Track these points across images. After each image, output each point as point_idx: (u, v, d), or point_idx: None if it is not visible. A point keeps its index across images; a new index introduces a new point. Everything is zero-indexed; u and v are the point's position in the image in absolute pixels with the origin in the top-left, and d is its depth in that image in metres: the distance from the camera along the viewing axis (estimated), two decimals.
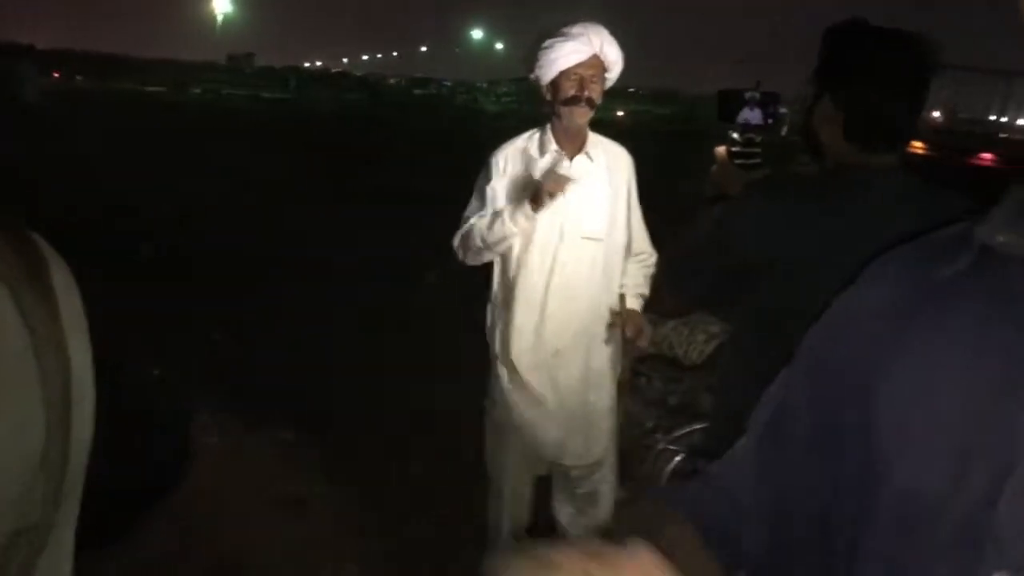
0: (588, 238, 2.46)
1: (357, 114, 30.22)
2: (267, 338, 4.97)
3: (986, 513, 0.57)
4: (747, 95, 1.74)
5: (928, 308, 0.66)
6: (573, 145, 2.46)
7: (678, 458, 2.54)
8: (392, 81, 74.91)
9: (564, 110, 2.37)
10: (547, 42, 2.35)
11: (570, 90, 2.35)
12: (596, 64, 2.34)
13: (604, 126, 2.60)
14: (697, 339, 3.12)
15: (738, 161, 1.77)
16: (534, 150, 2.48)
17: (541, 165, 2.44)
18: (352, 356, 4.70)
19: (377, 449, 3.68)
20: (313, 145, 15.92)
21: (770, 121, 1.73)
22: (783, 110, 1.76)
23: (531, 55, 2.40)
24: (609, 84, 2.43)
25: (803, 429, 0.75)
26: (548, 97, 2.41)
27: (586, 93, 2.34)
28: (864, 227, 1.40)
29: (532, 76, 2.43)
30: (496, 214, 2.42)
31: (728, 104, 1.77)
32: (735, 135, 1.78)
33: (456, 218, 2.57)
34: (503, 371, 2.54)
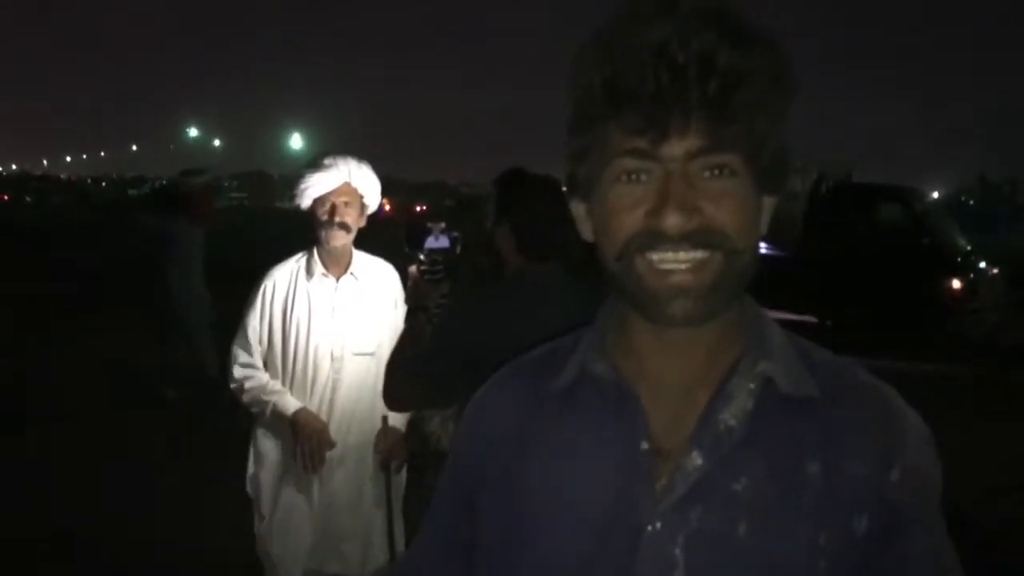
0: (360, 354, 2.57)
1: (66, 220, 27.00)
2: None
3: (628, 566, 0.76)
4: (429, 225, 2.12)
5: (546, 414, 0.85)
6: (338, 267, 2.58)
7: None
8: (104, 183, 68.90)
9: (321, 234, 2.51)
10: (302, 172, 2.51)
11: (323, 216, 2.48)
12: (348, 191, 2.49)
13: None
14: None
15: (427, 277, 2.18)
16: (302, 273, 2.57)
17: (309, 288, 2.55)
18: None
19: None
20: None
21: (447, 245, 2.09)
22: (455, 234, 2.15)
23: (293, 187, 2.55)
24: (371, 209, 2.59)
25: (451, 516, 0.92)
26: (313, 225, 2.54)
27: (337, 218, 2.48)
28: (535, 317, 1.82)
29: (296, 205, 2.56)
30: (263, 400, 2.52)
31: (414, 236, 2.19)
32: (422, 256, 2.21)
33: None
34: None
